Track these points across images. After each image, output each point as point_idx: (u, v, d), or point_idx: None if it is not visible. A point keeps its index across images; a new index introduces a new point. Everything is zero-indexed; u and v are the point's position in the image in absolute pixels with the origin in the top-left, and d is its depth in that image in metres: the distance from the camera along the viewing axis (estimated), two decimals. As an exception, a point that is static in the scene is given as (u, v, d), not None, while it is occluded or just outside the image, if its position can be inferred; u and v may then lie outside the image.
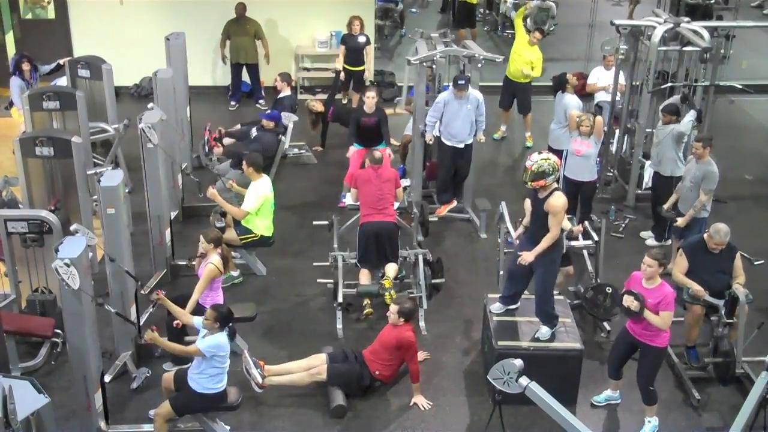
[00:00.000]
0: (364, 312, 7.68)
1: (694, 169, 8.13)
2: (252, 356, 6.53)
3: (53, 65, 10.48)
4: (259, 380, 6.44)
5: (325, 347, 7.10)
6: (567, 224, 7.46)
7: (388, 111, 11.57)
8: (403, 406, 6.74)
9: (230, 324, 6.03)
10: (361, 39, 11.97)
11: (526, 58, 11.23)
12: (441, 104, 9.05)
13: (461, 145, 9.18)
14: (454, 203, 9.57)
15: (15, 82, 10.10)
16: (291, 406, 6.69)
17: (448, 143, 9.19)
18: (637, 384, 6.43)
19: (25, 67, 10.09)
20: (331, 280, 7.88)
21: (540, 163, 6.34)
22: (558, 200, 6.38)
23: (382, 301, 7.60)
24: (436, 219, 9.30)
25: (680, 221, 8.20)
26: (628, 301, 6.13)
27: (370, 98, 9.52)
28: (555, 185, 6.46)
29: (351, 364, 6.78)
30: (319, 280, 8.05)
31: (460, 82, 8.92)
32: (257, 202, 8.01)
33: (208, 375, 6.00)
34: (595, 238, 7.68)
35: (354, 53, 11.98)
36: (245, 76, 12.88)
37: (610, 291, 7.23)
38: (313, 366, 6.77)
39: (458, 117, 9.03)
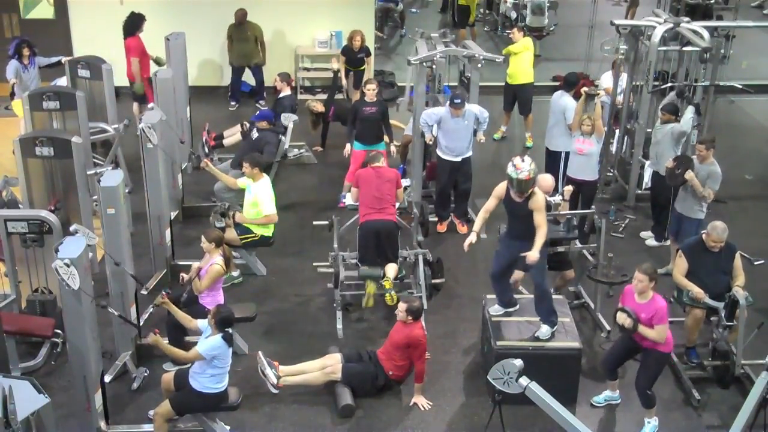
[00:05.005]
0: (364, 300, 7.62)
1: (698, 170, 8.13)
2: (266, 357, 6.54)
3: (53, 60, 10.49)
4: (274, 380, 6.47)
5: (331, 347, 7.09)
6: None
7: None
8: (403, 406, 6.74)
9: (227, 329, 5.98)
10: (361, 54, 12.10)
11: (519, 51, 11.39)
12: (437, 117, 8.93)
13: (459, 159, 9.08)
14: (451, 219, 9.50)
15: (13, 64, 10.23)
16: (291, 405, 6.69)
17: (445, 157, 9.07)
18: (635, 387, 6.42)
19: (25, 52, 10.24)
20: (331, 269, 7.80)
21: (532, 169, 6.39)
22: (540, 196, 6.53)
23: (383, 302, 7.61)
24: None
25: (689, 173, 8.04)
26: (622, 318, 6.17)
27: (371, 90, 9.46)
28: None
29: (366, 365, 6.78)
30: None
31: (456, 101, 8.74)
32: (272, 200, 8.16)
33: (209, 375, 6.00)
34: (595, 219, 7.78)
35: (353, 62, 12.17)
36: (249, 77, 12.87)
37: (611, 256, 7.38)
38: (328, 365, 6.76)
39: (456, 132, 8.93)
